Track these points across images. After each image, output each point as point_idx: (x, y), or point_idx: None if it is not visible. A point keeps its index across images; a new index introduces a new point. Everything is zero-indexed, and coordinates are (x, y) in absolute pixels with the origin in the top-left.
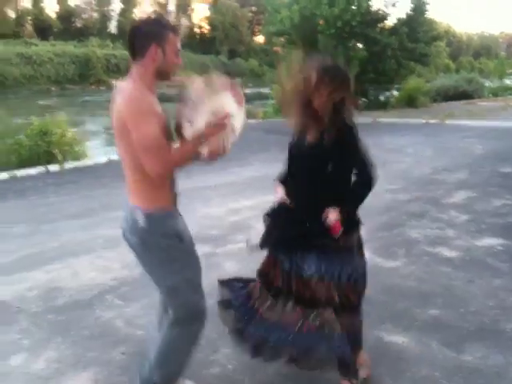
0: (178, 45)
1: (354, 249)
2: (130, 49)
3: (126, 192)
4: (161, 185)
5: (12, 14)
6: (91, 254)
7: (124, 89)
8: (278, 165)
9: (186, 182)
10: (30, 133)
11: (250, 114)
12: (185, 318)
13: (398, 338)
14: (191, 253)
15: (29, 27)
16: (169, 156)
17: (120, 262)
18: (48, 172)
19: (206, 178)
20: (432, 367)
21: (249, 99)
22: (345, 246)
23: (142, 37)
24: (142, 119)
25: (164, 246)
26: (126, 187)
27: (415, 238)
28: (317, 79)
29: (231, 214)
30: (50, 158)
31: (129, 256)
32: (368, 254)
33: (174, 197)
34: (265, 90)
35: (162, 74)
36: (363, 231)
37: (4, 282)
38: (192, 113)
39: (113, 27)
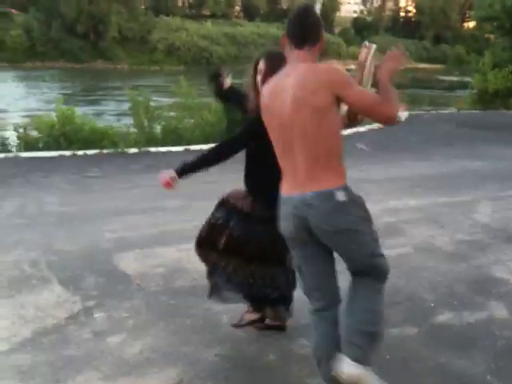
0: None
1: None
2: (302, 34)
3: (296, 181)
4: (341, 160)
5: None
6: None
7: (306, 66)
8: (457, 162)
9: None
10: (214, 109)
11: (444, 104)
12: (385, 274)
13: None
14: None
15: (237, 8)
16: (390, 97)
17: None
18: None
19: (370, 170)
20: None
21: (451, 88)
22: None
23: (316, 26)
24: (352, 81)
25: (361, 214)
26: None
27: None
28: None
29: (388, 213)
30: None
31: None
32: None
33: None
34: (469, 79)
35: None
36: None
37: (135, 256)
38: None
39: (317, 9)
